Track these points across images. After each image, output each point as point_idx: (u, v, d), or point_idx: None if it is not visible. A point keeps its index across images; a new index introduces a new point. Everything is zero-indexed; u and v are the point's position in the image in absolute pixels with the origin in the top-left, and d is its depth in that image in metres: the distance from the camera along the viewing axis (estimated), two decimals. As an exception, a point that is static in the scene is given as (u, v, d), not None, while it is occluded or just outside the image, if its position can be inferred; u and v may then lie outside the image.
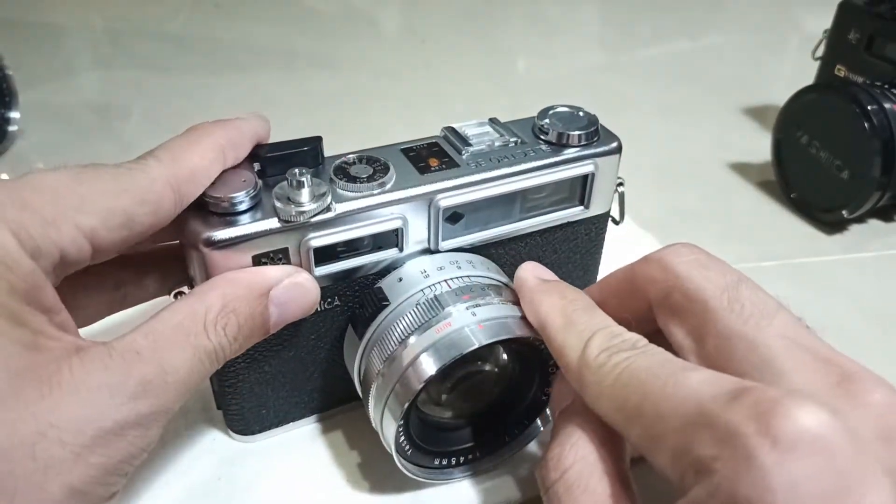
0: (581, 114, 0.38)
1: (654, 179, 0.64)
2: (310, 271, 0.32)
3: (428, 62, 0.90)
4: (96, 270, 0.29)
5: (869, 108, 0.54)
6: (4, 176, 0.64)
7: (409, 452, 0.33)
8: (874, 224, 0.61)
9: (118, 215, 0.27)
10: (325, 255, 0.32)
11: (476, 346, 0.31)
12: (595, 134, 0.36)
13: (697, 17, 1.08)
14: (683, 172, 0.68)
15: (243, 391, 0.36)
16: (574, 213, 0.38)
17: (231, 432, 0.38)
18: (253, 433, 0.38)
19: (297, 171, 0.30)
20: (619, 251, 0.43)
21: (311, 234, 0.31)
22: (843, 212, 0.57)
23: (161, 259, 0.35)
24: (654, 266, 0.29)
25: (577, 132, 0.36)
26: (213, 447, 0.38)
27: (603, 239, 0.41)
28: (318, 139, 0.33)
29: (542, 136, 0.36)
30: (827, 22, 0.67)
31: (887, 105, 0.55)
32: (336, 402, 0.39)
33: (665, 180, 0.66)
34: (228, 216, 0.30)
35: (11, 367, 0.23)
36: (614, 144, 0.37)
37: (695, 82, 0.87)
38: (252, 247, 0.30)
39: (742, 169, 0.67)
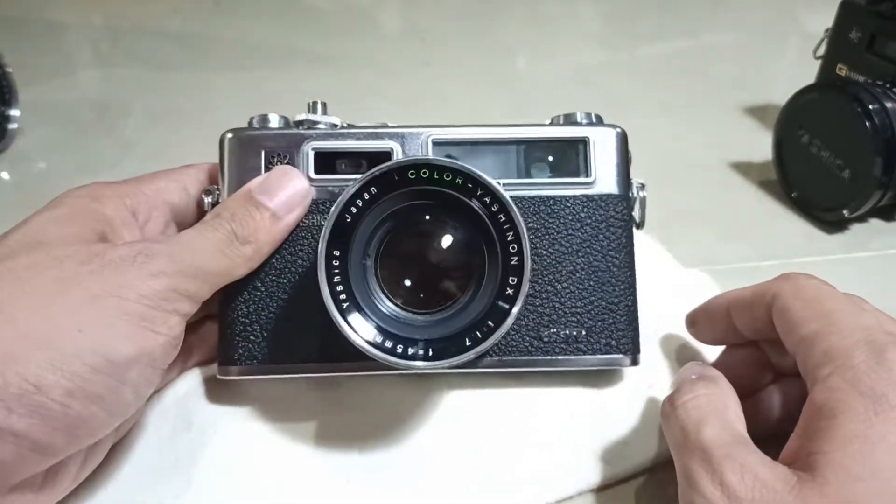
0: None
1: (655, 178, 0.64)
2: (309, 174, 0.38)
3: (428, 60, 0.90)
4: None
5: (870, 107, 0.54)
6: (5, 174, 0.64)
7: (345, 305, 0.33)
8: (875, 223, 0.61)
9: None
10: (325, 164, 0.38)
11: (404, 160, 0.33)
12: (598, 119, 0.40)
13: (698, 16, 1.08)
14: (684, 171, 0.67)
15: (240, 309, 0.38)
16: (576, 180, 0.39)
17: (219, 371, 0.38)
18: (241, 365, 0.37)
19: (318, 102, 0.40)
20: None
21: (314, 142, 0.38)
22: (844, 211, 0.57)
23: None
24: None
25: (580, 115, 0.40)
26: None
27: (622, 236, 0.40)
28: None
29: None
30: (828, 21, 0.67)
31: (889, 104, 0.55)
32: (327, 358, 0.38)
33: (666, 179, 0.65)
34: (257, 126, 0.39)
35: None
36: (618, 128, 0.40)
37: (696, 81, 0.87)
38: (263, 141, 0.38)
39: (743, 168, 0.67)
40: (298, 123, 0.39)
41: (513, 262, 0.33)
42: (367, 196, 0.34)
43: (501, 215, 0.34)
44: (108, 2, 1.03)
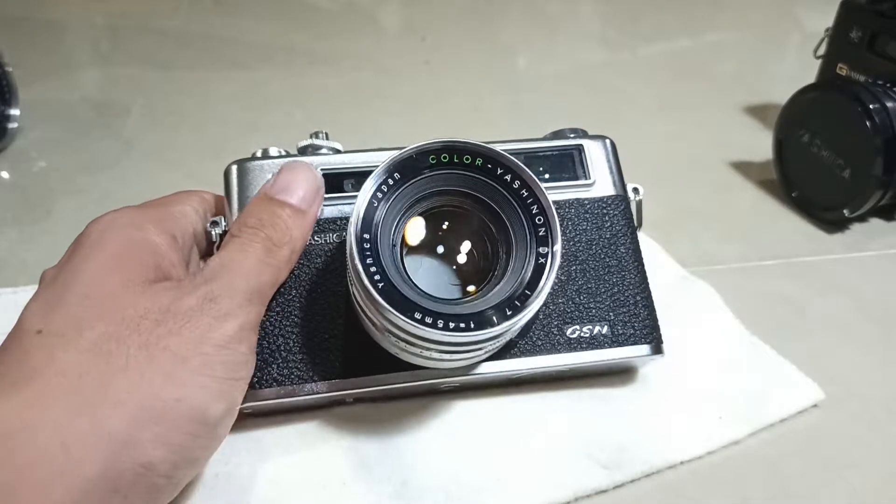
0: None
1: (654, 178, 0.64)
2: None
3: (428, 59, 0.90)
4: None
5: (871, 106, 0.54)
6: (5, 174, 0.64)
7: (381, 286, 0.32)
8: (875, 223, 0.61)
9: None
10: (333, 183, 0.39)
11: (425, 144, 0.34)
12: (584, 132, 0.43)
13: (698, 15, 1.08)
14: (684, 171, 0.68)
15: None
16: (577, 183, 0.41)
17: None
18: (258, 389, 0.36)
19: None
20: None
21: (321, 165, 0.39)
22: (845, 211, 0.57)
23: None
24: None
25: (567, 131, 0.43)
26: None
27: (626, 233, 0.41)
28: None
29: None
30: (829, 20, 0.67)
31: (889, 104, 0.55)
32: (341, 374, 0.37)
33: (665, 178, 0.65)
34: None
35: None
36: (607, 138, 0.43)
37: (696, 80, 0.87)
38: (271, 167, 0.39)
39: (743, 167, 0.67)
40: (302, 150, 0.40)
41: (541, 234, 0.34)
42: (391, 182, 0.34)
43: (524, 191, 0.35)
44: (109, 1, 1.03)
